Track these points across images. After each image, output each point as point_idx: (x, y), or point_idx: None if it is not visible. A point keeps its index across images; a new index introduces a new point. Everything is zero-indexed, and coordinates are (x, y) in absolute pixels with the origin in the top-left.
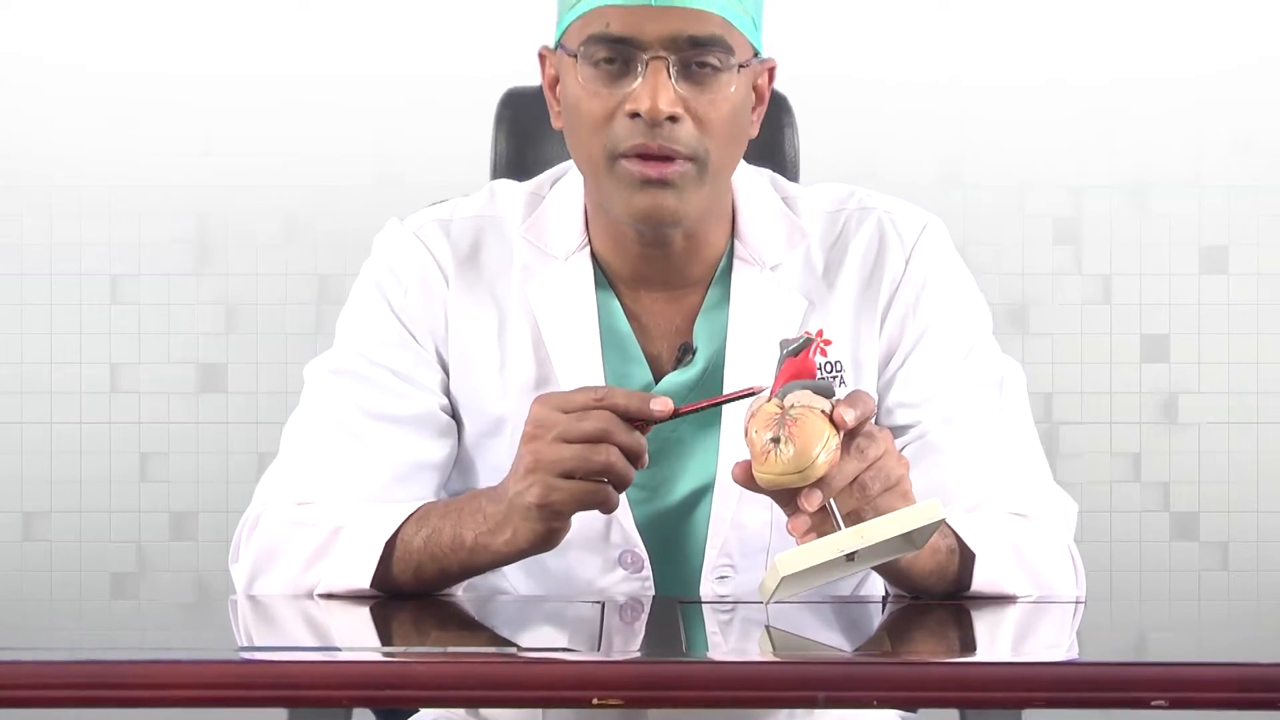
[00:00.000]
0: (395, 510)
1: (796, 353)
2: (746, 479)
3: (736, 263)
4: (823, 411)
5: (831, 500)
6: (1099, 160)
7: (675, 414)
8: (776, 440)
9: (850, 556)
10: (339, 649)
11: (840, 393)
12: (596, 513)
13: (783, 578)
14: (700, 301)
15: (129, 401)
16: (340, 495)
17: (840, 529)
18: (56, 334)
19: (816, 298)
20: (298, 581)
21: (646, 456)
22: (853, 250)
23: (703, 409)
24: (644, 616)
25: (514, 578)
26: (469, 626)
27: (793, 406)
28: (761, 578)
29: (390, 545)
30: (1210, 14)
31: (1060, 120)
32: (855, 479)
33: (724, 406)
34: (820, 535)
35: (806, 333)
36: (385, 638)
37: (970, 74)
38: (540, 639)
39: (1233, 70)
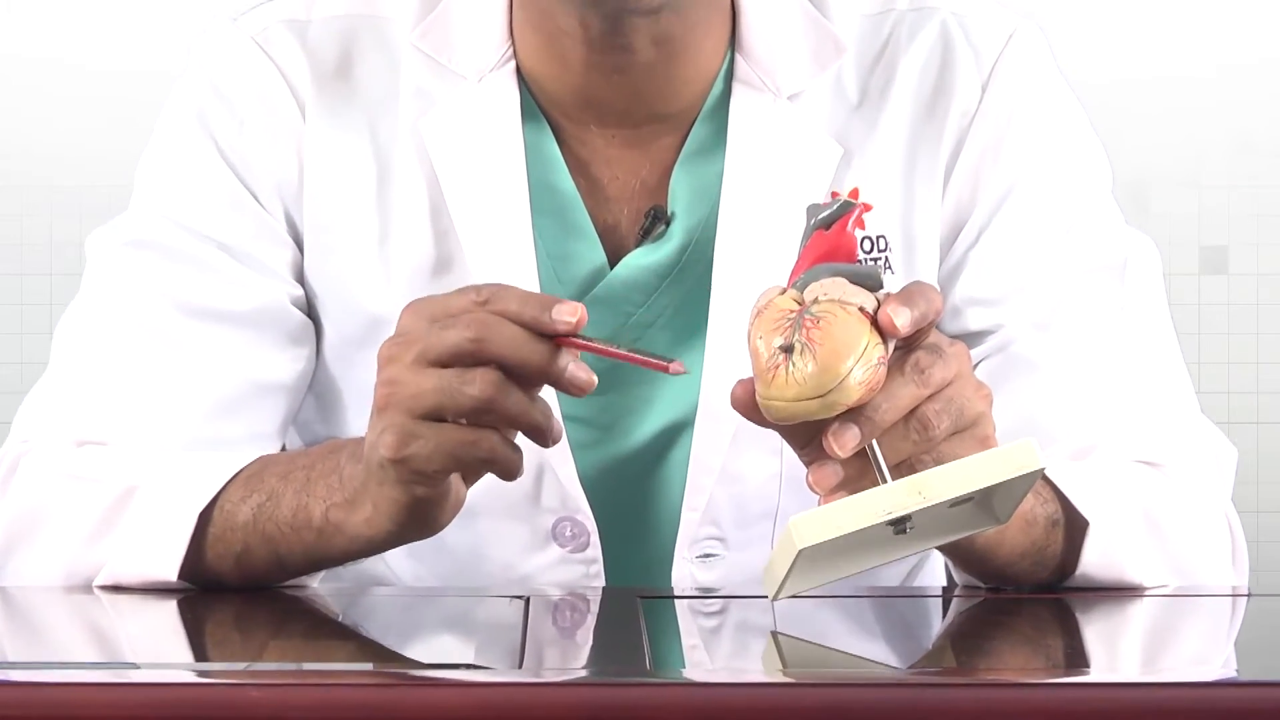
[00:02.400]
0: (217, 464)
1: (829, 223)
2: (749, 405)
3: (737, 88)
4: (861, 310)
5: (874, 443)
6: None
7: (576, 342)
8: (789, 349)
9: (901, 528)
10: (134, 666)
11: (889, 284)
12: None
13: (799, 552)
14: (680, 144)
15: None
16: (141, 434)
17: (887, 482)
18: None
19: (852, 140)
20: (73, 561)
21: (565, 390)
22: (905, 69)
23: (611, 355)
24: (589, 618)
25: (395, 560)
26: (328, 633)
27: (816, 300)
28: (768, 558)
29: (205, 517)
30: (1210, 14)
31: None
32: (912, 412)
33: (714, 294)
34: (855, 493)
35: (836, 194)
36: (200, 651)
37: None
38: (435, 652)
39: (1233, 70)
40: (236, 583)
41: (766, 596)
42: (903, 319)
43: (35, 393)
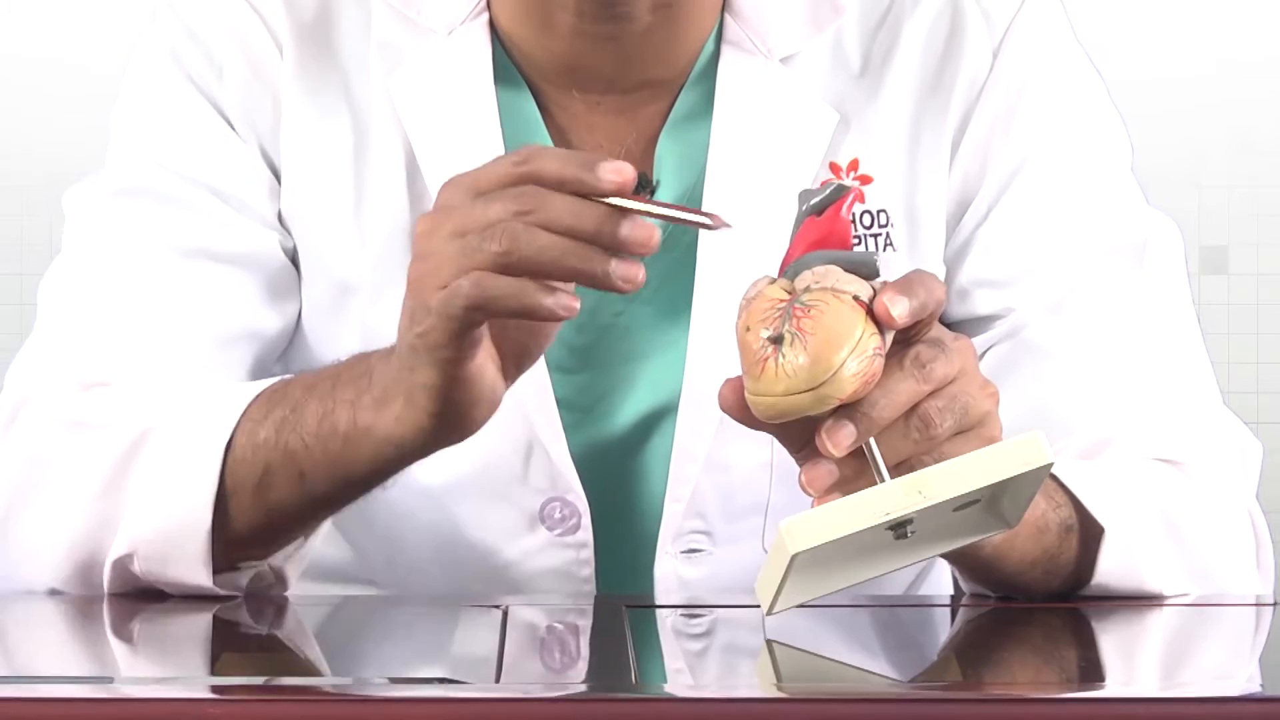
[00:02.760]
0: (235, 393)
1: (821, 209)
2: (738, 405)
3: (726, 50)
4: (856, 298)
5: (872, 441)
6: None
7: (617, 204)
8: (778, 340)
9: (902, 533)
10: (109, 680)
11: (891, 263)
12: (501, 436)
13: (793, 558)
14: (667, 110)
15: None
16: (146, 372)
17: (885, 481)
18: None
19: (851, 108)
20: (85, 520)
21: (628, 271)
22: (910, 34)
23: (653, 215)
24: (571, 628)
25: (367, 544)
26: (293, 645)
27: (807, 289)
28: (760, 569)
29: (228, 444)
30: (1209, 14)
31: None
32: (913, 410)
33: (699, 268)
34: (852, 494)
35: (835, 168)
36: (159, 663)
37: None
38: (408, 664)
39: (1232, 70)
40: (258, 520)
41: (760, 606)
42: (900, 309)
43: (28, 346)
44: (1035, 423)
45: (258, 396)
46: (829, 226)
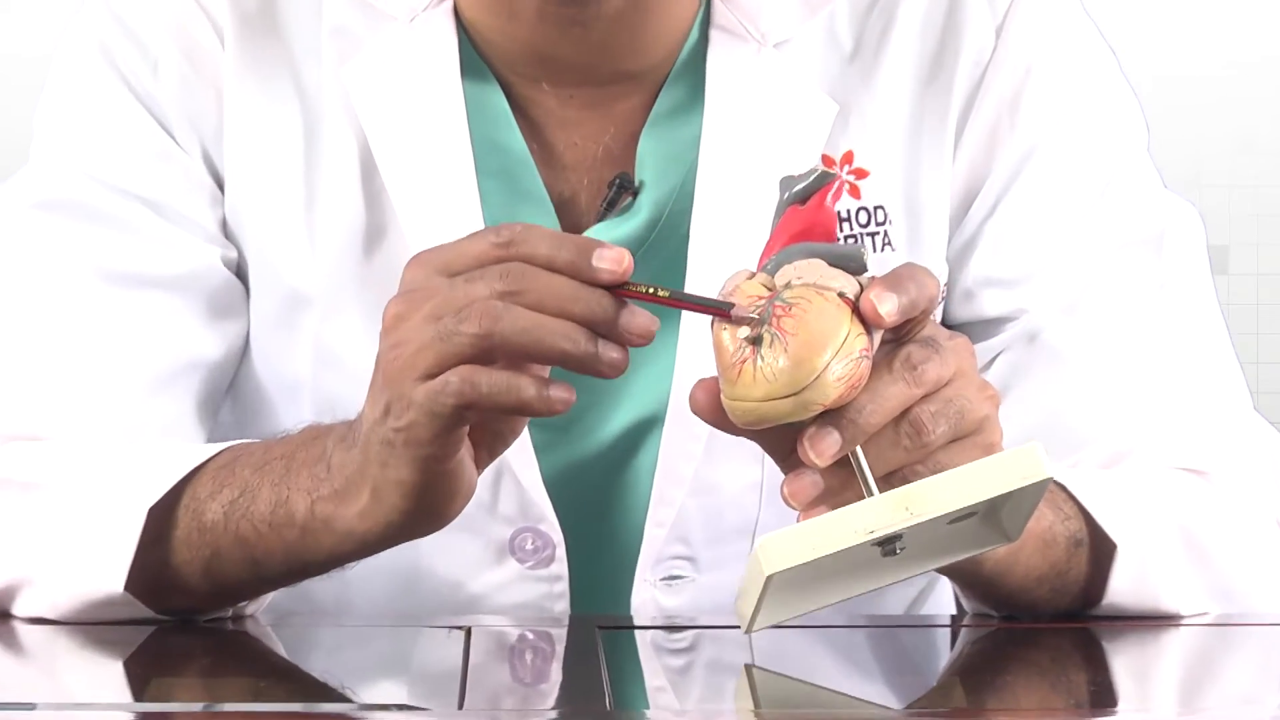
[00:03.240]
0: (174, 455)
1: (805, 197)
2: (712, 408)
3: (715, 36)
4: (841, 295)
5: (859, 450)
6: None
7: (626, 291)
8: (756, 341)
9: (890, 549)
10: (29, 707)
11: (879, 264)
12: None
13: (769, 579)
14: (649, 104)
15: None
16: (77, 422)
17: (873, 495)
18: None
19: (848, 96)
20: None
21: (615, 356)
22: (906, 12)
23: (670, 303)
24: (541, 651)
25: (316, 584)
26: (243, 671)
27: (788, 285)
28: (739, 584)
29: (169, 518)
30: (1210, 14)
31: None
32: (904, 415)
33: (689, 275)
34: (838, 508)
35: (828, 160)
36: (105, 689)
37: None
38: (367, 690)
39: (1233, 70)
40: (206, 596)
41: (739, 627)
42: (888, 306)
43: None
44: (1049, 433)
45: (202, 469)
46: (813, 216)
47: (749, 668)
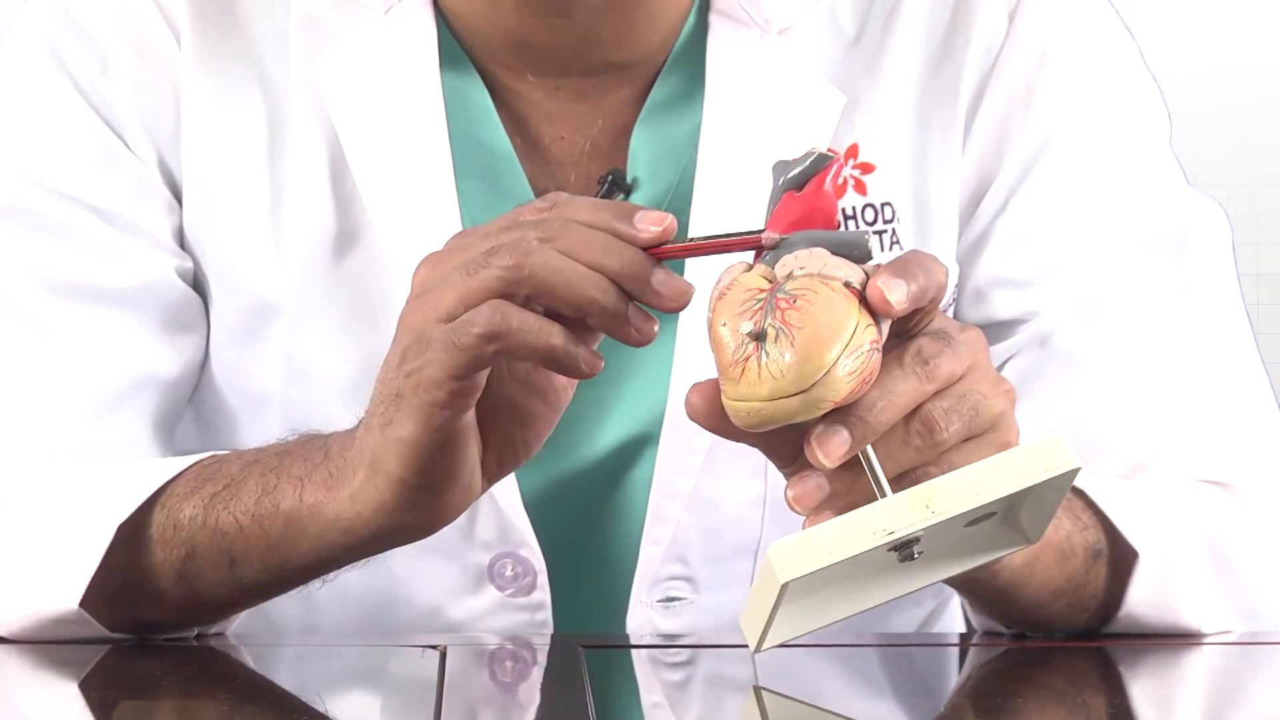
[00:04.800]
0: (151, 466)
1: (801, 182)
2: (713, 413)
3: (715, 22)
4: (847, 285)
5: (869, 449)
6: None
7: (664, 251)
8: (760, 337)
9: (907, 553)
10: None
11: (885, 255)
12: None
13: (783, 588)
14: (641, 95)
15: None
16: (18, 442)
17: (886, 495)
18: None
19: (848, 84)
20: None
21: (645, 323)
22: (913, 1)
23: (698, 251)
24: (519, 671)
25: (284, 608)
26: (207, 692)
27: (790, 276)
28: (745, 600)
29: (144, 512)
30: (1209, 15)
31: None
32: (915, 412)
33: (686, 279)
34: (845, 512)
35: (833, 150)
36: (70, 707)
37: None
38: (337, 712)
39: (1232, 71)
40: (176, 606)
41: (744, 645)
42: (898, 294)
43: None
44: None
45: (183, 472)
46: (811, 202)
47: (756, 689)
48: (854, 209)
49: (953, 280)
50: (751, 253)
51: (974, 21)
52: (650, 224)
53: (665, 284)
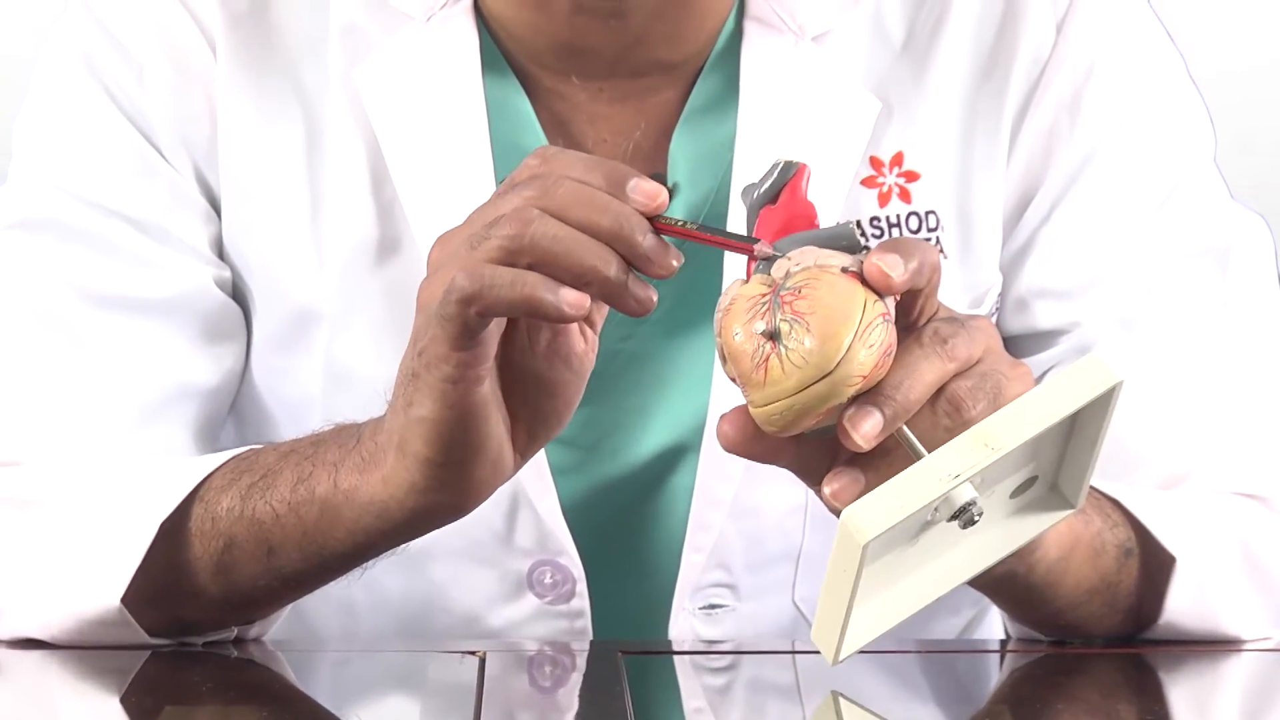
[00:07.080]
0: (188, 465)
1: (774, 195)
2: (743, 438)
3: (750, 28)
4: (845, 270)
5: (904, 427)
6: None
7: (658, 227)
8: (774, 335)
9: (969, 516)
10: None
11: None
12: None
13: (864, 548)
14: (682, 98)
15: None
16: (59, 451)
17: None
18: None
19: (894, 92)
20: None
21: (643, 292)
22: (961, 6)
23: (686, 235)
24: (559, 678)
25: (324, 620)
26: (243, 699)
27: (788, 274)
28: (816, 609)
29: (184, 515)
30: (1210, 16)
31: None
32: (939, 393)
33: (726, 283)
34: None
35: (877, 163)
36: (109, 715)
37: None
38: (383, 715)
39: (1233, 71)
40: (215, 602)
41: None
42: (896, 269)
43: None
44: (1103, 455)
45: (220, 466)
46: (788, 210)
47: (834, 696)
48: (898, 217)
49: (995, 290)
50: (745, 264)
51: (1022, 31)
52: (642, 196)
53: (655, 247)
